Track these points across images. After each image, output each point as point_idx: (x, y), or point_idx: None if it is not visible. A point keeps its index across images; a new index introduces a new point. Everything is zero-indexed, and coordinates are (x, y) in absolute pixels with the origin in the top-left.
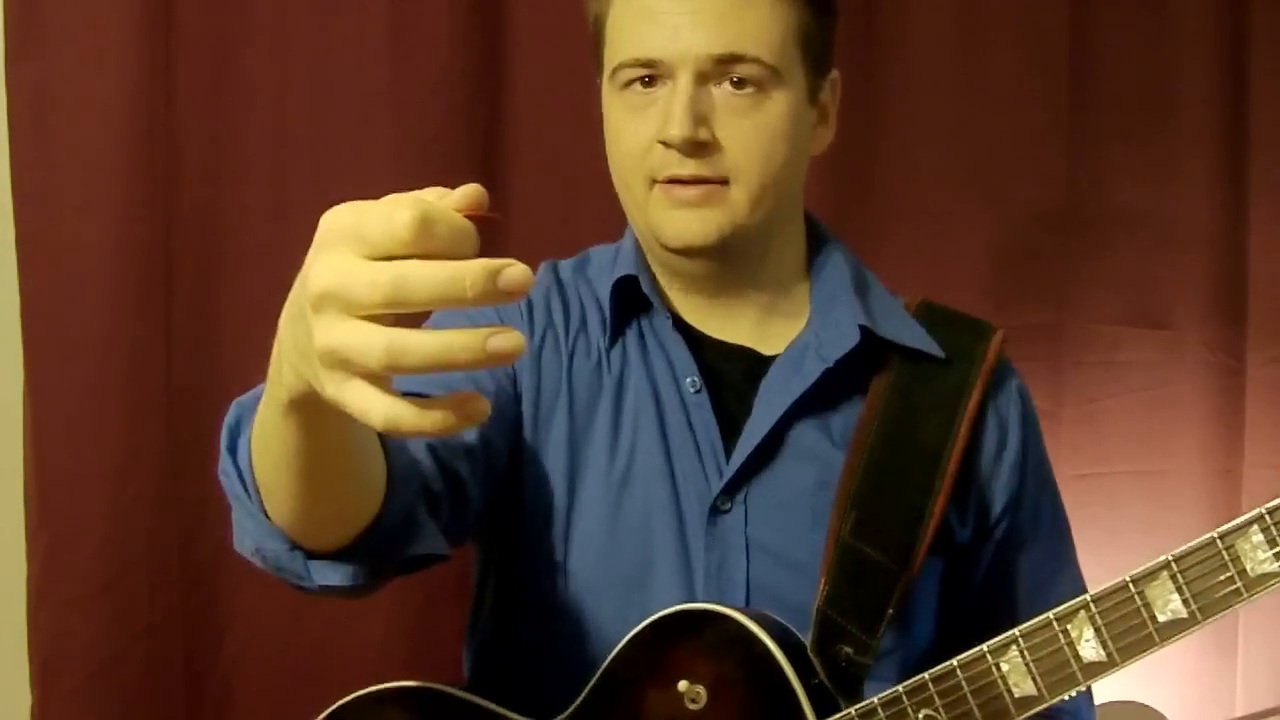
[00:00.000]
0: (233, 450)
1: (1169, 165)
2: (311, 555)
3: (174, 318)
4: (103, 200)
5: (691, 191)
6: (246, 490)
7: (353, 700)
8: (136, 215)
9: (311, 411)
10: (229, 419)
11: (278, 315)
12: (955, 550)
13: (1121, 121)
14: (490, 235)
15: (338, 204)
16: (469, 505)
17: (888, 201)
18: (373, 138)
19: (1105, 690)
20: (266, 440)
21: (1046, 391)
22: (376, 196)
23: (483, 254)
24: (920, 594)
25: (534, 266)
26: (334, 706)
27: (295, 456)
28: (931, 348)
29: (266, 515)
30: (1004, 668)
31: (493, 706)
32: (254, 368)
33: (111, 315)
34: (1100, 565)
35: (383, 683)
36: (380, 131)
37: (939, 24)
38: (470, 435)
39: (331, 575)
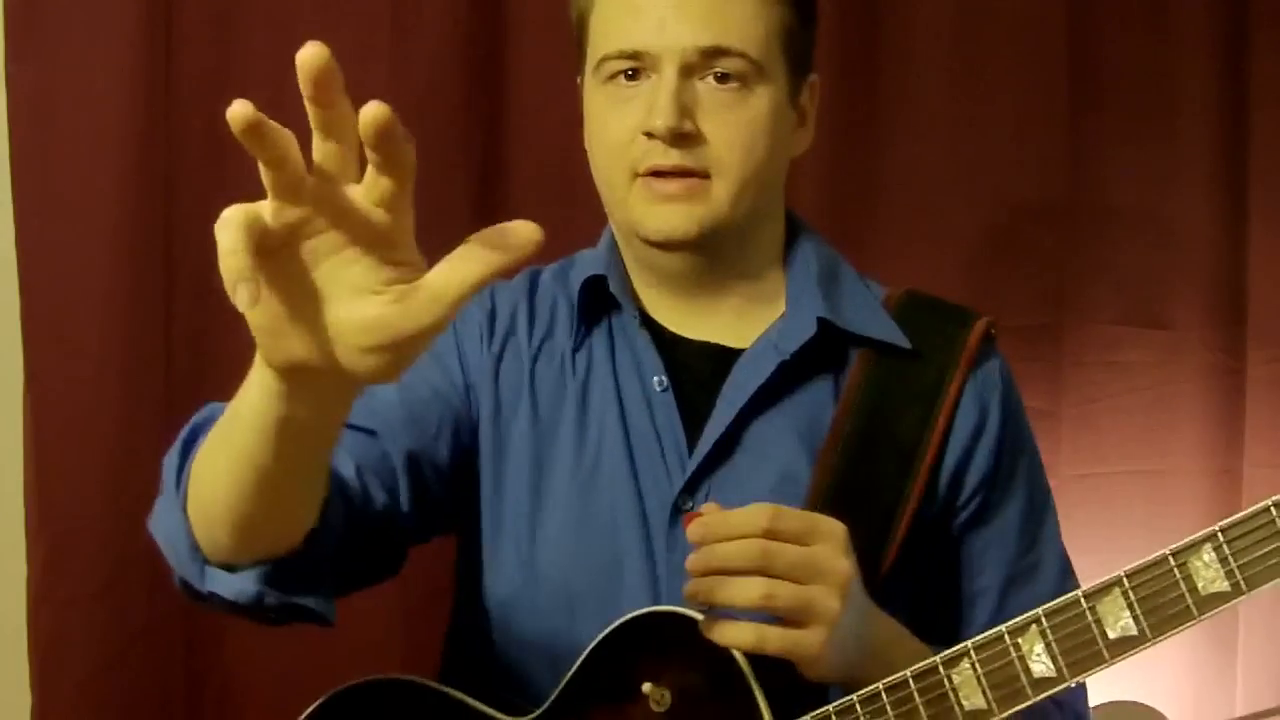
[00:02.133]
0: (187, 444)
1: (1169, 165)
2: (207, 562)
3: (174, 318)
4: (102, 201)
5: (673, 186)
6: (178, 482)
7: (333, 695)
8: (136, 215)
9: (290, 402)
10: (197, 416)
11: None
12: (922, 539)
13: (1121, 121)
14: None
15: None
16: (398, 528)
17: (887, 201)
18: None
19: (1105, 690)
20: (229, 445)
21: (1046, 391)
22: None
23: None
24: (890, 594)
25: (532, 265)
26: (314, 705)
27: (249, 461)
28: (897, 339)
29: (184, 512)
30: (955, 679)
31: (469, 700)
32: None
33: (111, 315)
34: (1100, 565)
35: None
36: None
37: (939, 23)
38: (397, 459)
39: (221, 585)
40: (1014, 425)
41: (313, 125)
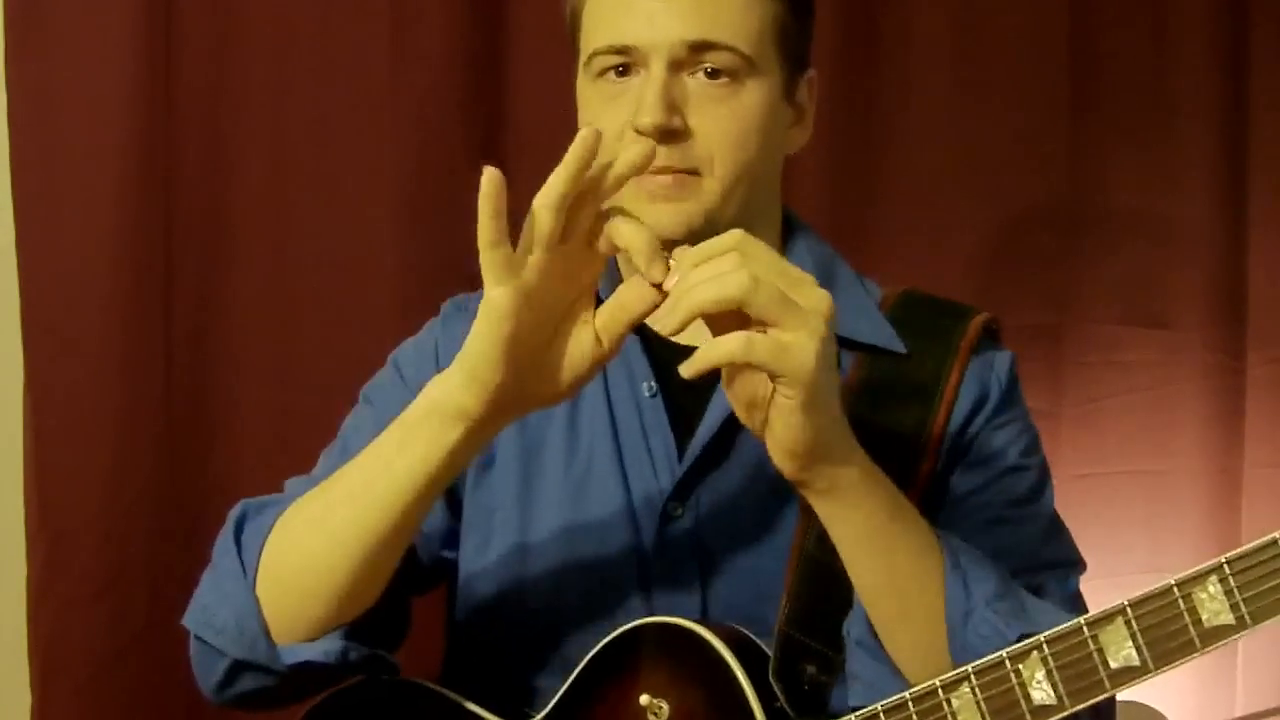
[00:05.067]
0: (239, 533)
1: (1169, 165)
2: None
3: (174, 318)
4: (103, 200)
5: (663, 182)
6: (244, 567)
7: (333, 695)
8: (136, 215)
9: (464, 455)
10: (235, 511)
11: (277, 314)
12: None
13: (1121, 122)
14: None
15: (337, 203)
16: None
17: (887, 202)
18: (372, 137)
19: None
20: (356, 511)
21: (1046, 391)
22: (376, 195)
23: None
24: None
25: None
26: (313, 703)
27: (388, 520)
28: (891, 343)
29: (255, 595)
30: (954, 704)
31: (466, 703)
32: (253, 368)
33: (111, 315)
34: (1100, 565)
35: None
36: (380, 131)
37: (939, 24)
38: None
39: (303, 652)
40: (1011, 396)
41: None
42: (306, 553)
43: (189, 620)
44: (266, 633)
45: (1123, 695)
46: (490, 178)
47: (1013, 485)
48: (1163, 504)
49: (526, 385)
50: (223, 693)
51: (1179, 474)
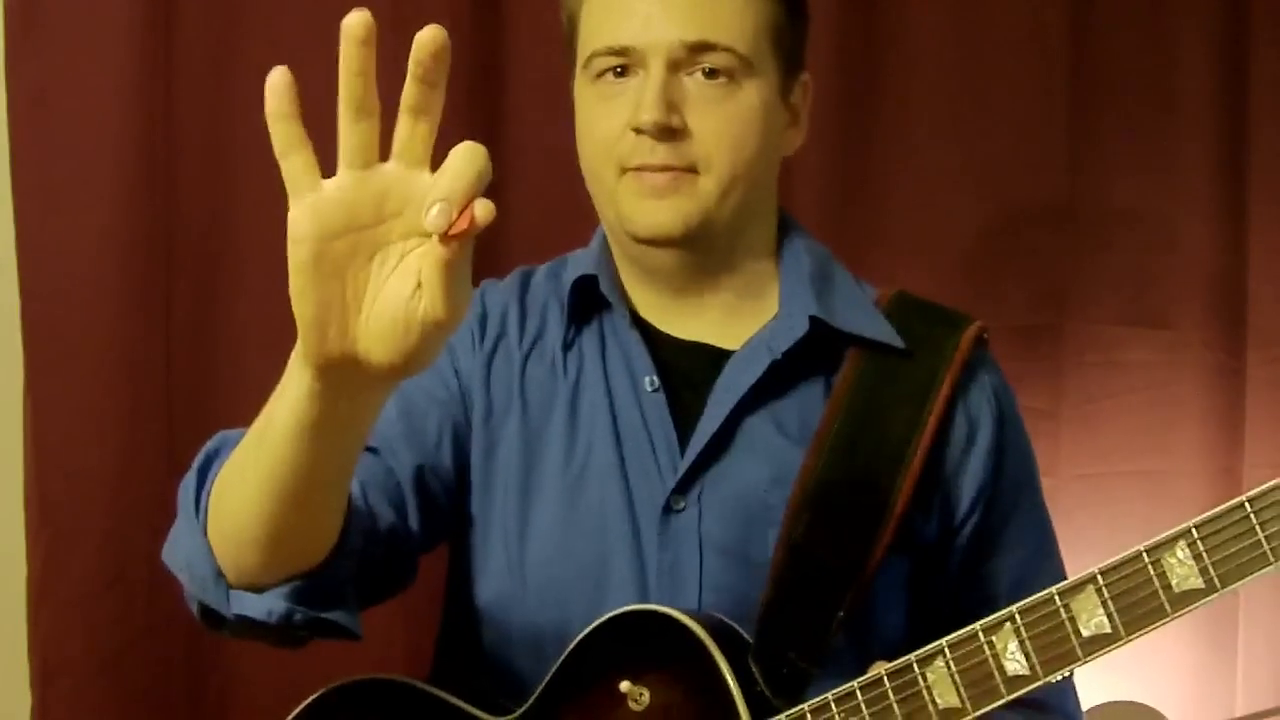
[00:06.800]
0: (203, 470)
1: (1169, 164)
2: (232, 587)
3: (174, 318)
4: (103, 200)
5: (661, 179)
6: (198, 508)
7: (319, 697)
8: (136, 215)
9: (326, 401)
10: (210, 444)
11: (278, 314)
12: (921, 550)
13: (1121, 120)
14: (491, 234)
15: None
16: (408, 543)
17: (886, 200)
18: None
19: (1105, 690)
20: (260, 456)
21: (1046, 391)
22: None
23: (482, 250)
24: (881, 596)
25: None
26: (300, 706)
27: (284, 468)
28: (891, 339)
29: (206, 537)
30: (930, 678)
31: (454, 700)
32: (254, 367)
33: (111, 315)
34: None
35: None
36: (379, 130)
37: (938, 21)
38: (402, 475)
39: (249, 606)
40: (1014, 441)
41: (411, 106)
42: (230, 498)
43: (163, 553)
44: (219, 575)
45: (1123, 695)
46: (273, 76)
47: (1028, 554)
48: (1163, 504)
49: (353, 339)
50: (214, 629)
51: (1179, 474)
